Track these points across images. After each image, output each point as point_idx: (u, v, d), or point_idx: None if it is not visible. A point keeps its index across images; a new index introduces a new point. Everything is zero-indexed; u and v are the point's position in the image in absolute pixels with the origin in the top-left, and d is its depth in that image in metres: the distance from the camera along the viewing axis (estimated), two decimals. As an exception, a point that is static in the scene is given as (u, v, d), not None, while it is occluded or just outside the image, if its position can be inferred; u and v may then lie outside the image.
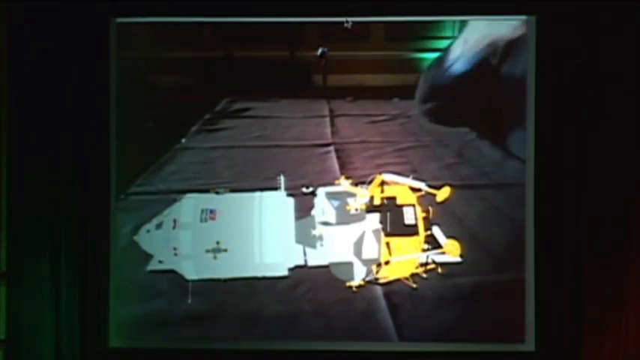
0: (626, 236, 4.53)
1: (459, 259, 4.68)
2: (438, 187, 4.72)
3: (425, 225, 4.69)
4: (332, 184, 4.75)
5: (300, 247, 4.71)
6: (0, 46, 4.72)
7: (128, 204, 4.81)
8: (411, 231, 4.69)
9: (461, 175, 4.75)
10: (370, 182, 4.72)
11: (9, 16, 4.69)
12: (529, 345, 4.65)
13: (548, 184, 4.61)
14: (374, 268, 4.69)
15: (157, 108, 4.85)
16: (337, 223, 4.69)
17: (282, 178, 4.75)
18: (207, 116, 4.86)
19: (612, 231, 4.53)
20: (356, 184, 4.73)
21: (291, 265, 4.71)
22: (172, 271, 4.73)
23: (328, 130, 4.85)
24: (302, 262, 4.71)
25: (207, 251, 4.71)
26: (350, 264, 4.68)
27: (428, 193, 4.71)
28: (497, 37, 4.72)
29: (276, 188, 4.75)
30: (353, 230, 4.69)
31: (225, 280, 4.71)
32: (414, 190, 4.72)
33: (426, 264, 4.67)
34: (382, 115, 4.83)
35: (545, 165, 4.62)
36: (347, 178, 4.74)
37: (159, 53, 4.87)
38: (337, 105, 4.85)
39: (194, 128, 4.86)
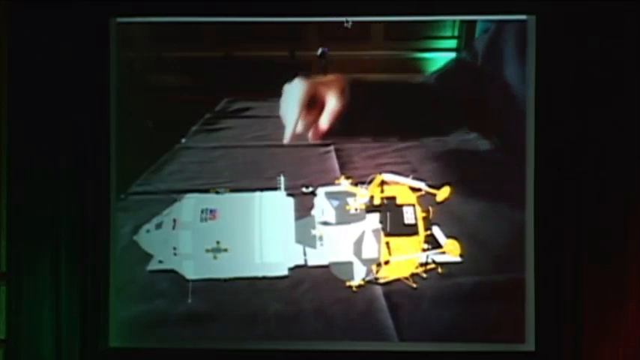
0: (626, 236, 4.53)
1: (458, 259, 4.67)
2: (438, 187, 4.71)
3: (425, 225, 4.68)
4: (332, 183, 4.75)
5: (300, 247, 4.70)
6: (0, 45, 4.72)
7: (128, 204, 4.80)
8: (410, 231, 4.68)
9: (461, 175, 4.75)
10: (370, 182, 4.71)
11: (9, 16, 4.70)
12: (529, 345, 4.65)
13: (548, 184, 4.61)
14: (374, 267, 4.68)
15: (157, 108, 4.85)
16: (337, 222, 4.68)
17: (282, 178, 4.74)
18: (207, 116, 4.86)
19: (612, 231, 4.52)
20: (356, 184, 4.72)
21: (292, 265, 4.70)
22: (172, 271, 4.73)
23: (328, 129, 4.85)
24: (302, 262, 4.70)
25: (208, 251, 4.70)
26: (350, 264, 4.68)
27: (428, 193, 4.71)
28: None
29: (276, 188, 4.75)
30: (353, 230, 4.68)
31: (226, 280, 4.71)
32: (413, 189, 4.71)
33: (426, 264, 4.67)
34: (382, 114, 4.83)
35: (545, 165, 4.62)
36: (347, 177, 4.74)
37: (159, 53, 4.87)
38: (337, 105, 4.85)
39: (194, 128, 4.85)
